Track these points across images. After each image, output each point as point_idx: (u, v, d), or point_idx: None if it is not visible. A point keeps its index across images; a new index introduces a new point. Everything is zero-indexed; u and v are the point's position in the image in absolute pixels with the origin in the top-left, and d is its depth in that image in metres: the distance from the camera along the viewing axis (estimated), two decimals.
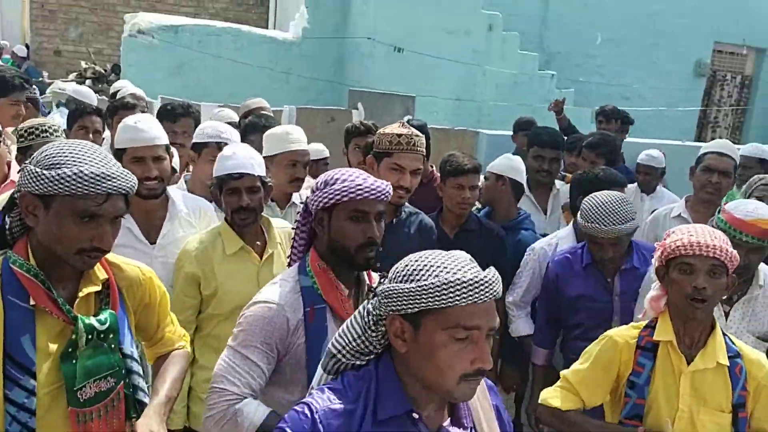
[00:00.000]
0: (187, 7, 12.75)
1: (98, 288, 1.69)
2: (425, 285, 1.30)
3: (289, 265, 2.00)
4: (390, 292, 1.34)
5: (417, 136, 2.66)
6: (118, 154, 2.59)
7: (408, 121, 4.67)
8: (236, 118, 4.38)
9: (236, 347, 1.83)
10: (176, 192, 2.78)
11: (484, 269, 1.36)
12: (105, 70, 9.70)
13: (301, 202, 2.00)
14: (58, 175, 1.51)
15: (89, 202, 1.54)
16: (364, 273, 1.95)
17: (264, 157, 2.77)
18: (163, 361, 1.94)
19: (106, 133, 4.00)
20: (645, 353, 2.07)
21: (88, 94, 5.10)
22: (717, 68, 12.50)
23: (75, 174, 1.51)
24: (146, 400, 1.78)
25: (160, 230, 2.65)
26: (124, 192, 1.60)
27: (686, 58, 11.91)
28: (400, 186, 2.63)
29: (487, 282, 1.31)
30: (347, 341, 1.44)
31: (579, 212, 2.89)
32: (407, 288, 1.32)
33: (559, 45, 11.19)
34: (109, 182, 1.55)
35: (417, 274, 1.33)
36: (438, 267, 1.33)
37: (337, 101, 8.83)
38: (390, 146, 2.65)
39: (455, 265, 1.34)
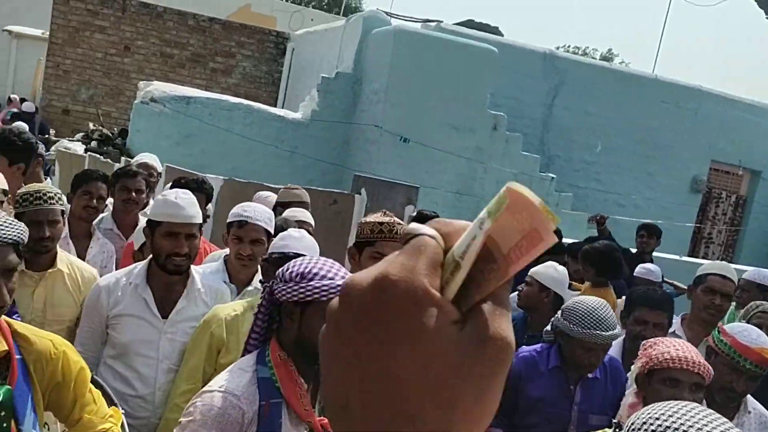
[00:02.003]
0: (199, 80, 13.04)
1: None
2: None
3: (245, 352, 1.88)
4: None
5: (399, 224, 2.59)
6: (152, 225, 2.57)
7: (418, 212, 4.68)
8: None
9: None
10: (197, 271, 2.73)
11: None
12: (112, 133, 9.78)
13: (263, 285, 1.90)
14: None
15: None
16: None
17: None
18: None
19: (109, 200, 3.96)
20: None
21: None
22: (713, 185, 12.75)
23: None
24: None
25: (175, 305, 2.58)
26: (9, 242, 1.49)
27: (683, 173, 12.16)
28: None
29: None
30: None
31: (568, 320, 2.79)
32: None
33: (559, 149, 11.44)
34: None
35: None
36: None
37: (339, 184, 8.89)
38: (372, 234, 2.57)
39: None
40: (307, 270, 1.76)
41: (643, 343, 2.20)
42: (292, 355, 1.77)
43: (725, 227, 12.92)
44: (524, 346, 3.01)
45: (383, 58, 9.54)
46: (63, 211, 2.79)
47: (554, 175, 10.48)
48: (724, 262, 4.00)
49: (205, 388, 1.77)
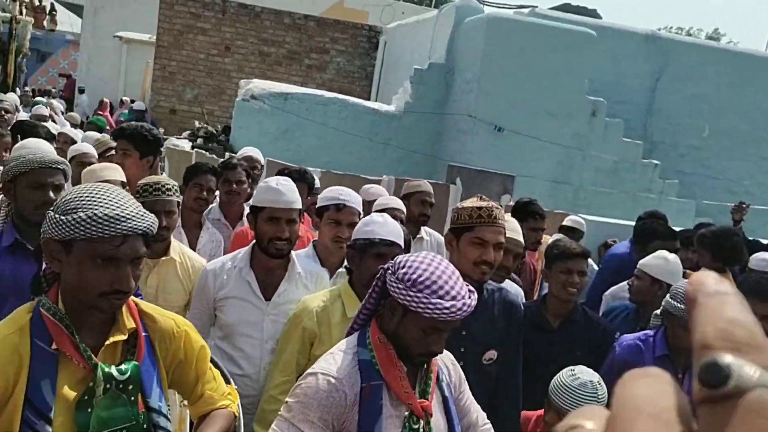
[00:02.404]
0: (296, 77, 13.38)
1: (124, 337, 1.65)
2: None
3: (351, 331, 1.92)
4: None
5: (497, 208, 2.54)
6: (255, 211, 2.68)
7: (517, 202, 4.64)
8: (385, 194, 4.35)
9: (291, 420, 1.74)
10: (297, 255, 2.83)
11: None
12: (216, 131, 10.21)
13: (382, 269, 1.90)
14: (74, 219, 1.51)
15: (106, 245, 1.52)
16: None
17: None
18: (203, 421, 1.85)
19: None
20: None
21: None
22: None
23: (89, 217, 1.50)
24: None
25: (277, 288, 2.68)
26: (140, 232, 1.56)
27: None
28: (483, 261, 2.49)
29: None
30: None
31: (674, 299, 2.73)
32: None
33: (663, 134, 10.93)
34: (124, 223, 1.53)
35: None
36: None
37: (432, 175, 8.89)
38: (470, 220, 2.52)
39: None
40: (420, 279, 1.74)
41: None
42: (391, 340, 1.80)
43: None
44: (626, 335, 2.93)
45: (476, 46, 9.44)
46: (178, 203, 2.95)
47: (658, 162, 10.04)
48: None
49: (308, 371, 1.82)
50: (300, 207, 2.73)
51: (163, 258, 2.88)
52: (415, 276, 1.75)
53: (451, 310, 1.71)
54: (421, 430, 1.78)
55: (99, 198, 1.55)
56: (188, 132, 10.41)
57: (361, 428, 1.73)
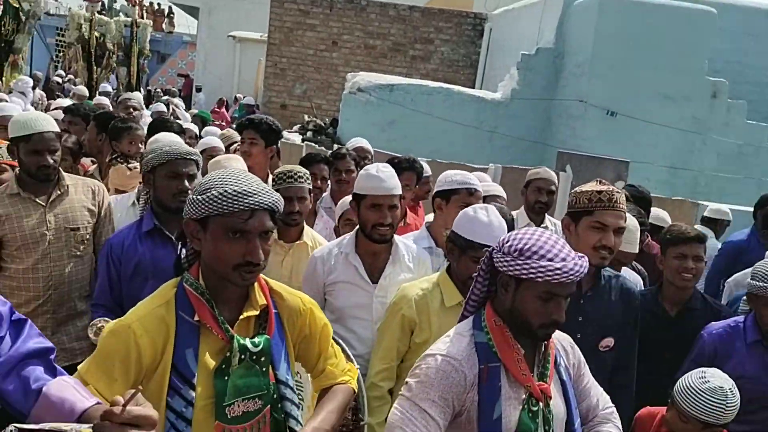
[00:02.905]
0: (400, 68, 13.47)
1: (257, 312, 1.76)
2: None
3: (462, 318, 1.92)
4: None
5: (618, 192, 2.49)
6: (357, 199, 2.76)
7: (624, 188, 4.48)
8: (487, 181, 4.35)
9: (413, 398, 1.76)
10: (400, 239, 2.89)
11: None
12: (324, 124, 10.48)
13: (488, 251, 1.89)
14: (208, 197, 1.65)
15: (236, 219, 1.65)
16: None
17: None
18: (325, 395, 1.94)
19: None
20: None
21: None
22: None
23: (220, 194, 1.64)
24: (297, 429, 1.79)
25: (383, 271, 2.76)
26: (267, 207, 1.68)
27: None
28: (603, 246, 2.44)
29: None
30: None
31: (754, 278, 2.61)
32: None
33: None
34: (251, 198, 1.65)
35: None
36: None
37: (539, 162, 8.70)
38: (590, 204, 2.48)
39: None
40: (526, 247, 1.74)
41: None
42: (506, 322, 1.80)
43: None
44: (714, 323, 2.79)
45: (587, 29, 9.14)
46: (310, 189, 3.08)
47: None
48: None
49: (426, 352, 1.83)
50: (400, 193, 2.78)
51: (297, 242, 3.02)
52: (521, 245, 1.76)
53: (563, 270, 1.70)
54: (541, 412, 1.77)
55: (229, 178, 1.70)
56: (298, 126, 10.75)
57: (481, 409, 1.74)
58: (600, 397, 2.03)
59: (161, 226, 2.76)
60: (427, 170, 4.55)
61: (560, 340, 1.96)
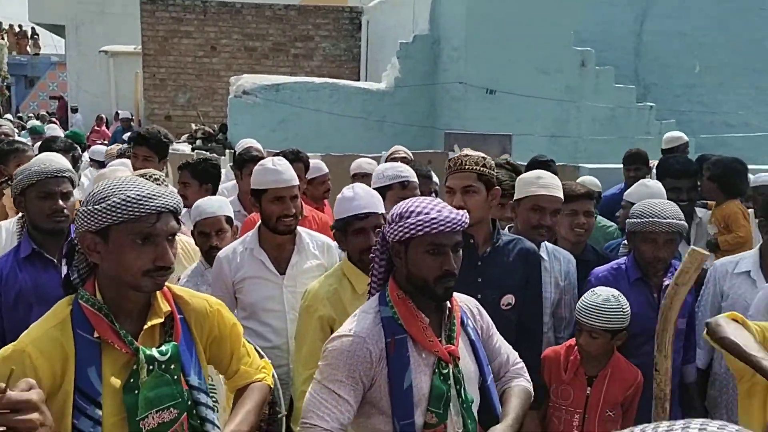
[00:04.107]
0: (284, 68, 13.41)
1: (161, 320, 1.72)
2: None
3: (369, 296, 1.99)
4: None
5: (467, 156, 2.63)
6: (257, 194, 2.78)
7: (533, 159, 4.69)
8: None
9: (323, 382, 1.83)
10: (302, 229, 2.95)
11: None
12: (213, 131, 10.31)
13: (381, 230, 1.99)
14: (108, 206, 1.59)
15: (142, 224, 1.61)
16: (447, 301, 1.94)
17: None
18: (241, 395, 1.93)
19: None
20: None
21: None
22: None
23: (122, 201, 1.59)
24: None
25: (289, 261, 2.81)
26: (171, 209, 1.66)
27: None
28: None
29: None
30: None
31: (631, 216, 2.86)
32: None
33: (655, 76, 10.95)
34: (155, 201, 1.62)
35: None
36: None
37: (431, 145, 8.97)
38: (448, 171, 2.67)
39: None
40: (405, 210, 1.85)
41: None
42: (409, 293, 1.88)
43: None
44: (599, 267, 3.01)
45: (459, 12, 9.47)
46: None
47: (653, 104, 10.08)
48: None
49: (334, 334, 1.90)
50: (297, 183, 2.84)
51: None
52: (401, 210, 1.87)
53: (438, 219, 1.79)
54: (451, 373, 1.85)
55: (126, 184, 1.65)
56: (186, 135, 10.51)
57: (391, 380, 1.81)
58: (510, 354, 2.13)
59: (40, 249, 2.62)
60: (322, 168, 4.62)
61: (467, 303, 2.05)
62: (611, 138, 9.15)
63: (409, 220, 1.81)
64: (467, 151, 2.69)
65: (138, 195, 1.61)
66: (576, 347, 2.74)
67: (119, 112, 15.51)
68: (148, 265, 1.63)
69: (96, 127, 15.45)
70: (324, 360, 1.86)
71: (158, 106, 13.52)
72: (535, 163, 4.49)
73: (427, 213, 1.81)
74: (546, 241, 3.04)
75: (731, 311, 2.93)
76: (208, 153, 8.24)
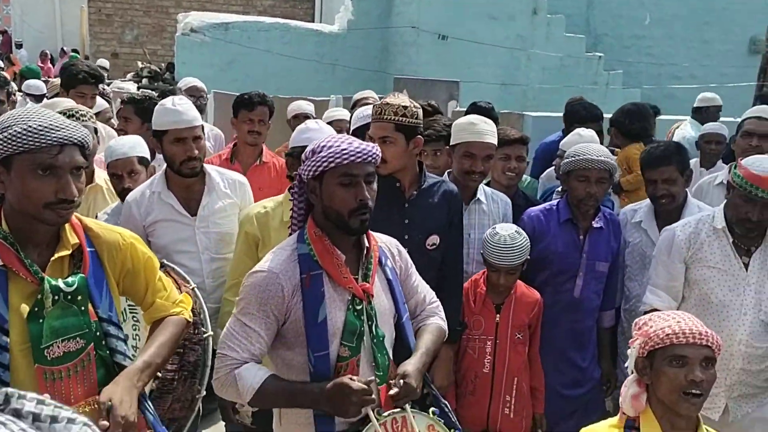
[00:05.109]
0: (236, 6, 13.09)
1: (69, 252, 1.72)
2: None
3: (290, 234, 2.02)
4: None
5: (387, 104, 2.61)
6: (158, 135, 2.72)
7: (472, 104, 4.72)
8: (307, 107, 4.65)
9: (237, 315, 1.88)
10: (211, 168, 2.91)
11: None
12: (160, 69, 10.08)
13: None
14: (10, 134, 1.58)
15: (44, 154, 1.58)
16: (365, 237, 1.96)
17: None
18: (156, 328, 1.95)
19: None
20: None
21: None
22: None
23: (24, 130, 1.57)
24: (126, 363, 1.79)
25: (200, 203, 2.78)
26: (76, 142, 1.63)
27: (740, 36, 11.59)
28: None
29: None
30: None
31: (566, 156, 2.97)
32: None
33: (606, 27, 11.07)
34: (58, 132, 1.60)
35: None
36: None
37: (383, 90, 8.93)
38: (372, 120, 2.67)
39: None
40: (317, 146, 1.88)
41: (635, 321, 1.90)
42: (326, 230, 1.92)
43: None
44: (532, 207, 3.13)
45: None
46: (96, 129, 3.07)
47: (602, 54, 10.21)
48: (763, 106, 3.94)
49: (251, 270, 1.95)
50: (201, 123, 2.78)
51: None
52: (315, 146, 1.89)
53: (349, 150, 1.82)
54: (364, 309, 1.90)
55: (31, 113, 1.62)
56: (132, 73, 10.25)
57: (306, 314, 1.85)
58: (427, 293, 2.20)
59: None
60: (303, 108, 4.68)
61: (387, 244, 2.10)
62: (559, 87, 9.27)
63: (320, 154, 1.84)
64: (389, 98, 2.67)
65: (40, 125, 1.59)
66: (482, 280, 2.90)
67: (64, 48, 14.97)
68: (50, 198, 1.61)
69: (41, 64, 14.89)
70: (240, 295, 1.92)
71: (104, 43, 13.11)
72: (476, 109, 4.55)
73: (338, 146, 1.84)
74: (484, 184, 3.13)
75: (632, 259, 3.13)
76: (154, 92, 8.10)
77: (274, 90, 8.12)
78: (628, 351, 1.85)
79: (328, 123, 3.39)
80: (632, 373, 1.82)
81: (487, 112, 4.43)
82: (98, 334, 1.75)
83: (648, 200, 3.20)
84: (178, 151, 2.69)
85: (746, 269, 2.60)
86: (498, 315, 2.85)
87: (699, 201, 3.22)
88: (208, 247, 2.78)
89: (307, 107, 4.67)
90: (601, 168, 2.86)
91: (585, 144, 3.06)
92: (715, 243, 2.65)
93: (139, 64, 10.75)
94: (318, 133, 2.61)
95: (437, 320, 2.15)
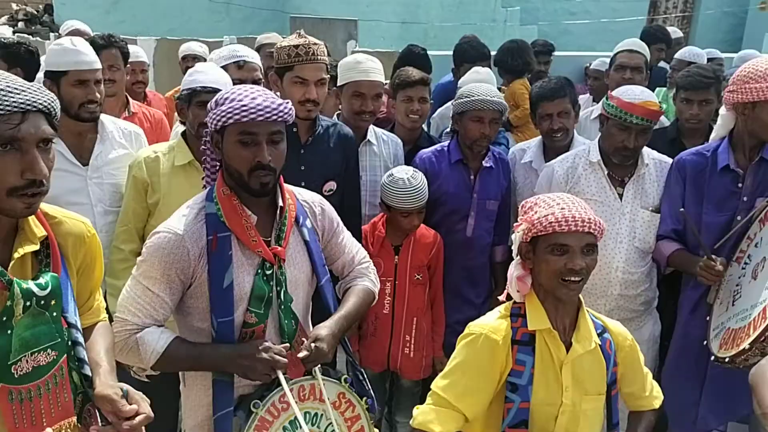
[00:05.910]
0: None
1: (36, 247, 1.44)
2: None
3: (204, 188, 1.91)
4: None
5: (315, 44, 2.56)
6: (56, 76, 2.56)
7: (408, 48, 4.61)
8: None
9: (138, 278, 1.79)
10: (105, 116, 2.78)
11: None
12: (37, 11, 9.32)
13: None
14: None
15: (3, 125, 1.29)
16: (279, 196, 1.86)
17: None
18: (90, 333, 1.67)
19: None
20: (523, 348, 1.78)
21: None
22: None
23: None
24: (89, 373, 1.54)
25: (92, 152, 2.67)
26: (42, 108, 1.34)
27: None
28: (307, 99, 2.55)
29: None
30: None
31: (459, 96, 3.00)
32: None
33: None
34: (17, 95, 1.31)
35: None
36: None
37: (281, 30, 8.66)
38: (289, 59, 2.56)
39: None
40: (221, 97, 1.77)
41: (521, 204, 1.89)
42: (234, 189, 1.80)
43: (676, 17, 12.88)
44: (423, 150, 3.15)
45: None
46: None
47: None
48: (634, 39, 4.07)
49: (155, 230, 1.83)
50: (101, 67, 2.66)
51: None
52: (219, 97, 1.79)
53: (249, 106, 1.71)
54: (274, 274, 1.82)
55: None
56: (6, 17, 9.44)
57: (211, 278, 1.76)
58: (356, 254, 2.10)
59: None
60: (141, 56, 4.38)
61: (310, 202, 2.00)
62: (459, 25, 9.28)
63: (221, 107, 1.73)
64: (306, 38, 2.58)
65: None
66: (380, 222, 2.91)
67: None
68: (15, 181, 1.32)
69: None
70: (142, 256, 1.80)
71: None
72: (411, 54, 4.49)
73: (240, 100, 1.72)
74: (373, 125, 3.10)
75: (522, 198, 3.22)
76: (31, 36, 7.51)
77: (164, 31, 7.73)
78: (513, 236, 1.87)
79: (223, 67, 3.24)
80: (517, 257, 1.84)
81: (422, 58, 4.40)
82: (69, 343, 1.49)
83: (536, 139, 3.28)
84: (78, 93, 2.54)
85: (621, 199, 2.73)
86: (397, 256, 2.88)
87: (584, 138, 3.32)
88: (102, 199, 2.65)
89: (199, 49, 4.49)
90: (494, 108, 2.89)
91: (477, 84, 3.08)
92: (591, 176, 2.77)
93: (14, 6, 9.89)
94: (203, 76, 2.50)
95: (365, 281, 2.08)
